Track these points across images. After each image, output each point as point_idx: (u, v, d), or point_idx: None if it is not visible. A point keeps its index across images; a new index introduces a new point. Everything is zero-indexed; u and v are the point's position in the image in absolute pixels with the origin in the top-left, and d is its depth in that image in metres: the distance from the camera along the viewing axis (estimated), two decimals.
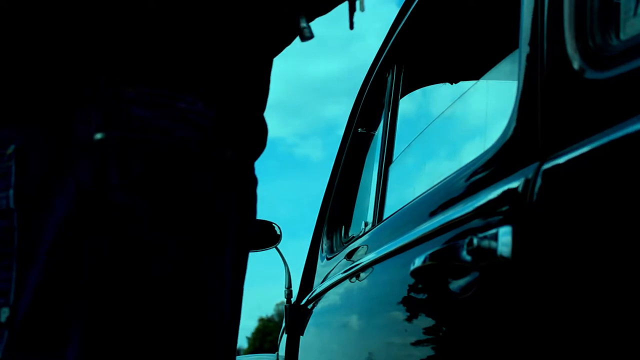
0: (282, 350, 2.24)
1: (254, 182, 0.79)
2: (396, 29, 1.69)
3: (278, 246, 2.61)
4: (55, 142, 0.67)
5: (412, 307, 1.11)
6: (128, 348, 0.64)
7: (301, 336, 1.98)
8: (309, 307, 1.96)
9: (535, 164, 0.74)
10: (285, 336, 2.12)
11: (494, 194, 0.84)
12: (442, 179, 1.11)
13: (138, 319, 0.65)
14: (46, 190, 0.66)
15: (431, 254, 0.98)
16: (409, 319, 1.11)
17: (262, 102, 0.80)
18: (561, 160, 0.69)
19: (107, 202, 0.65)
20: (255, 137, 0.79)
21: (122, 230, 0.65)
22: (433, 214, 1.07)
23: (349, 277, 1.54)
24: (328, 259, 1.97)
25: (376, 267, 1.35)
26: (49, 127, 0.68)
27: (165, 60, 0.69)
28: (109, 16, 0.68)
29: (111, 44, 0.68)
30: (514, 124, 0.84)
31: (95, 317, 0.64)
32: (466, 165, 1.00)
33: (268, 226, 2.59)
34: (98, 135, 0.66)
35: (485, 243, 0.80)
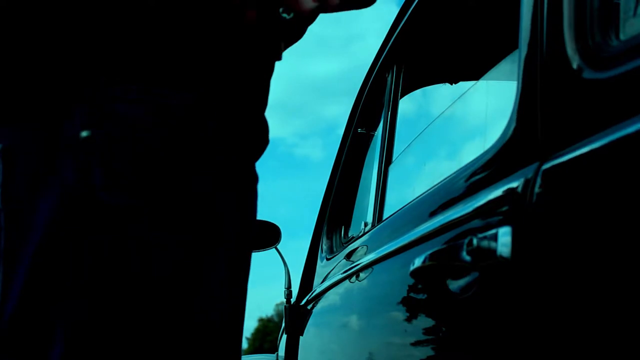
0: (281, 351, 2.24)
1: (254, 180, 0.78)
2: (396, 29, 1.69)
3: (278, 246, 2.61)
4: (45, 142, 0.67)
5: (412, 307, 1.11)
6: (124, 349, 0.64)
7: (301, 336, 1.98)
8: (309, 307, 1.96)
9: (535, 164, 0.74)
10: (285, 336, 2.12)
11: (493, 194, 0.84)
12: (442, 179, 1.11)
13: (136, 319, 0.65)
14: (34, 190, 0.66)
15: (431, 254, 0.98)
16: (408, 319, 1.11)
17: (262, 101, 0.79)
18: (561, 160, 0.69)
19: (93, 201, 0.65)
20: (256, 136, 0.79)
21: (112, 230, 0.64)
22: (433, 214, 1.07)
23: (349, 277, 1.54)
24: (328, 259, 1.97)
25: (376, 267, 1.35)
26: (40, 127, 0.67)
27: (165, 60, 0.69)
28: (109, 16, 0.68)
29: (111, 44, 0.68)
30: (513, 124, 0.84)
31: (88, 318, 0.63)
32: (466, 166, 1.00)
33: (268, 226, 2.59)
34: (84, 133, 0.66)
35: (485, 243, 0.80)
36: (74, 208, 0.65)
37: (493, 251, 0.78)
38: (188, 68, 0.71)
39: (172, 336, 0.66)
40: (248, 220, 0.76)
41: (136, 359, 0.64)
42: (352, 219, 2.07)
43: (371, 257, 1.37)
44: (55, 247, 0.64)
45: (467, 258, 0.84)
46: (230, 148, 0.73)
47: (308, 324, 1.94)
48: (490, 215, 0.83)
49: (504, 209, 0.80)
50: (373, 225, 1.62)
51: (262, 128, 0.79)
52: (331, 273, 1.80)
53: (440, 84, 2.04)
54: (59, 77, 0.67)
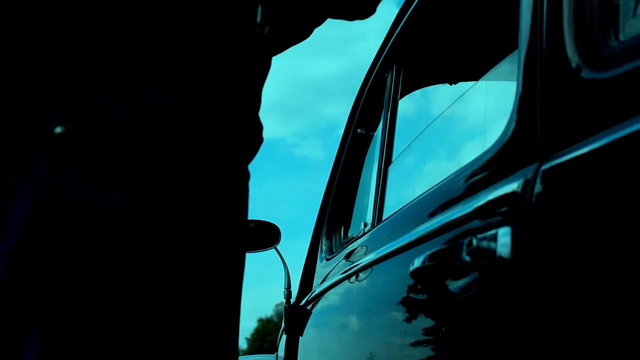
0: (281, 351, 2.24)
1: (247, 177, 0.78)
2: (396, 29, 1.69)
3: (277, 247, 2.61)
4: (24, 139, 0.66)
5: (411, 307, 1.11)
6: (108, 351, 0.63)
7: (300, 337, 1.98)
8: (308, 307, 1.96)
9: (535, 165, 0.74)
10: (284, 337, 2.12)
11: (493, 194, 0.84)
12: (441, 179, 1.11)
13: (116, 319, 0.63)
14: (7, 188, 0.65)
15: (430, 255, 0.98)
16: (408, 320, 1.11)
17: (256, 100, 0.79)
18: (560, 160, 0.69)
19: (67, 199, 0.63)
20: (250, 135, 0.78)
21: (96, 229, 0.63)
22: (432, 214, 1.07)
23: (348, 277, 1.54)
24: (327, 259, 1.97)
25: (375, 267, 1.34)
26: (17, 124, 0.66)
27: (165, 59, 0.69)
28: (109, 16, 0.68)
29: (112, 43, 0.68)
30: (513, 125, 0.84)
31: (65, 318, 0.62)
32: (465, 166, 1.00)
33: (267, 227, 2.59)
34: (58, 129, 0.65)
35: (485, 244, 0.80)
36: (48, 206, 0.63)
37: (492, 251, 0.78)
38: (187, 67, 0.70)
39: (172, 336, 0.65)
40: (243, 219, 0.76)
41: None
42: (352, 219, 2.07)
43: (371, 257, 1.37)
44: (29, 246, 0.63)
45: (467, 258, 0.84)
46: (226, 146, 0.73)
47: (308, 324, 1.94)
48: (489, 215, 0.83)
49: (504, 209, 0.80)
50: (373, 226, 1.62)
51: (256, 127, 0.79)
52: (331, 273, 1.80)
53: (440, 84, 2.04)
54: (52, 76, 0.67)
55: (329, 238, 2.07)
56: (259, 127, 0.80)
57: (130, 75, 0.68)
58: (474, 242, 0.81)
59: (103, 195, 0.64)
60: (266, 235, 2.57)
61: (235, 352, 0.73)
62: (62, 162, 0.64)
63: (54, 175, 0.64)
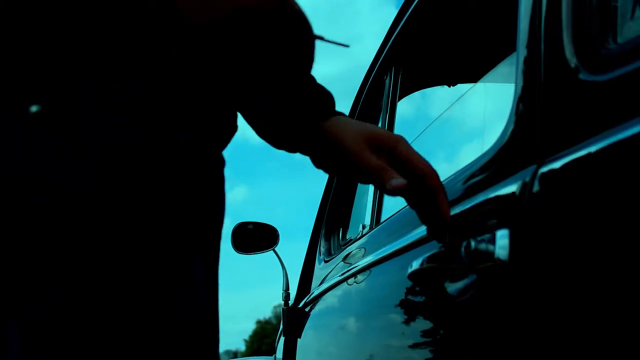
0: (279, 353, 2.24)
1: (221, 164, 0.76)
2: (394, 31, 1.69)
3: (276, 249, 2.61)
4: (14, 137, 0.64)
5: (409, 310, 1.11)
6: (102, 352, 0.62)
7: (299, 339, 1.98)
8: (307, 309, 1.96)
9: (533, 167, 0.74)
10: (282, 339, 2.12)
11: (491, 196, 0.84)
12: None
13: (109, 321, 0.63)
14: None
15: (429, 257, 0.98)
16: (406, 322, 1.11)
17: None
18: (559, 163, 0.69)
19: (44, 185, 0.62)
20: (224, 120, 0.77)
21: (77, 219, 0.62)
22: None
23: (347, 279, 1.54)
24: (326, 261, 1.97)
25: (374, 269, 1.34)
26: (14, 124, 0.65)
27: (162, 59, 0.69)
28: (108, 17, 0.68)
29: (110, 43, 0.67)
30: (511, 127, 0.84)
31: (51, 317, 0.61)
32: (464, 168, 1.00)
33: (266, 229, 2.59)
34: (33, 108, 0.62)
35: (483, 246, 0.80)
36: (23, 193, 0.61)
37: (491, 253, 0.78)
38: (187, 68, 0.70)
39: (173, 336, 0.65)
40: (219, 209, 0.74)
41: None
42: (350, 222, 2.07)
43: (369, 259, 1.37)
44: (5, 238, 0.61)
45: (465, 260, 0.84)
46: (219, 144, 0.72)
47: (306, 326, 1.94)
48: (487, 217, 0.83)
49: (502, 211, 0.80)
50: (371, 228, 1.62)
51: (233, 115, 0.78)
52: (329, 275, 1.80)
53: (438, 87, 2.04)
54: (48, 76, 0.66)
55: (327, 240, 2.07)
56: (235, 116, 0.79)
57: (129, 75, 0.67)
58: (472, 244, 0.81)
59: (103, 195, 0.64)
60: (265, 237, 2.57)
61: (216, 351, 0.73)
62: (44, 150, 0.61)
63: (30, 159, 0.61)
